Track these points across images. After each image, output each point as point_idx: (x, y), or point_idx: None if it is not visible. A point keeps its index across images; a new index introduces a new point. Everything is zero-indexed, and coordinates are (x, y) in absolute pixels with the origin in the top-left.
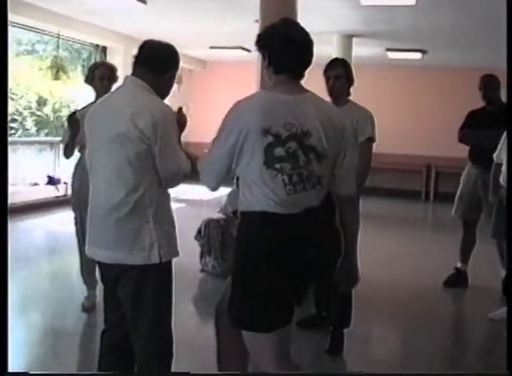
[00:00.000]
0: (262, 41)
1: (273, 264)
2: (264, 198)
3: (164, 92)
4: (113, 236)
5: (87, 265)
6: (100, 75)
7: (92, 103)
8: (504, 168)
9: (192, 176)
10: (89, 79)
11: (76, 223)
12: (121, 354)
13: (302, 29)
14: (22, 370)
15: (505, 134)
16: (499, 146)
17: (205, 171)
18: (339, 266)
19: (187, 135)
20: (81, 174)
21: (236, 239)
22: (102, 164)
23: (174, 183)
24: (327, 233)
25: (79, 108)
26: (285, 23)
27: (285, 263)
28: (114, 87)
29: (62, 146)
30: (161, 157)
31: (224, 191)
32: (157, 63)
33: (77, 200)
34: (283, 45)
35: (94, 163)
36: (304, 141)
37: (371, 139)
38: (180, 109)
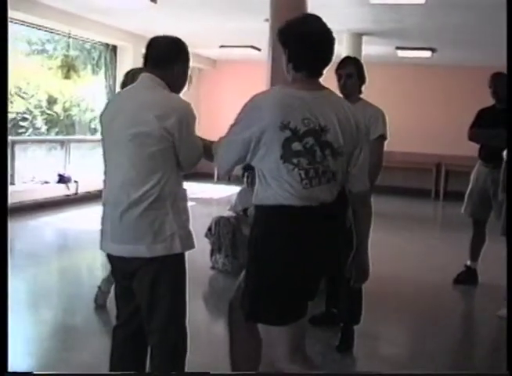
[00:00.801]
0: (282, 37)
1: (288, 256)
2: (280, 191)
3: (176, 88)
4: (133, 230)
5: None
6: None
7: None
8: None
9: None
10: (128, 84)
11: None
12: (133, 350)
13: (323, 26)
14: (29, 366)
15: None
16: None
17: (220, 154)
18: (350, 261)
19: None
20: None
21: (250, 231)
22: (120, 161)
23: (192, 167)
24: (340, 228)
25: (91, 107)
26: (305, 20)
27: (300, 256)
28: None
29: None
30: (185, 149)
31: (234, 189)
32: (164, 58)
33: None
34: (301, 42)
35: (111, 161)
36: (322, 137)
37: (383, 137)
38: None
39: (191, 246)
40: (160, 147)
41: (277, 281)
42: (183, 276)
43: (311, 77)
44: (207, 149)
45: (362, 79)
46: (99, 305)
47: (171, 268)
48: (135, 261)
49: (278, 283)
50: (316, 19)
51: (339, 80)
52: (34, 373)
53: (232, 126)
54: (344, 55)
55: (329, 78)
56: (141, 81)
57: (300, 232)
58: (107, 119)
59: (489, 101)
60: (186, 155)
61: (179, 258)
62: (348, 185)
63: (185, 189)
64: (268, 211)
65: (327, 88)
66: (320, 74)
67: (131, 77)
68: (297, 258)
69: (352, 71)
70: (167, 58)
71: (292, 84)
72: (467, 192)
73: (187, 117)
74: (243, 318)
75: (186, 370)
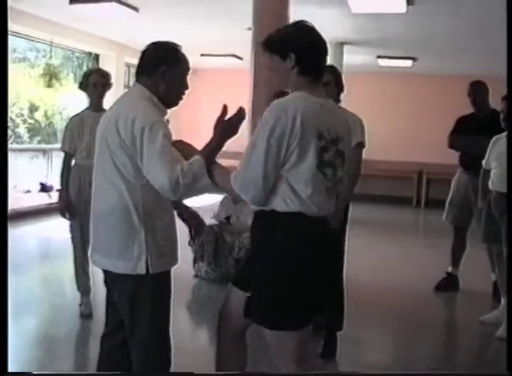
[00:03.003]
0: (288, 42)
1: (310, 264)
2: (308, 200)
3: (169, 96)
4: (104, 243)
5: (81, 272)
6: (94, 82)
7: (86, 109)
8: (492, 174)
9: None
10: (83, 86)
11: (72, 230)
12: (121, 358)
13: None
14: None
15: (493, 140)
16: (488, 152)
17: (248, 180)
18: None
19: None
20: (78, 181)
21: (266, 238)
22: (100, 171)
23: (171, 195)
24: (335, 235)
25: (71, 115)
26: (309, 27)
27: (319, 263)
28: (108, 94)
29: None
30: (146, 169)
31: (217, 198)
32: (148, 63)
33: (77, 207)
34: (313, 48)
35: (94, 170)
36: (339, 146)
37: (361, 145)
38: (225, 107)
39: (165, 266)
40: (123, 159)
41: (299, 288)
42: (164, 293)
43: (318, 82)
44: (223, 179)
45: (339, 87)
46: (86, 316)
47: (150, 284)
48: (110, 273)
49: (300, 291)
50: (314, 27)
51: None
52: (34, 373)
53: (254, 143)
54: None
55: None
56: (128, 90)
57: (319, 239)
58: (97, 128)
59: (469, 109)
60: (149, 177)
61: (158, 276)
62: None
63: (168, 207)
64: (290, 217)
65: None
66: (322, 79)
67: (85, 78)
68: (318, 266)
69: (330, 79)
70: (152, 62)
71: (302, 89)
72: (448, 199)
73: (144, 131)
74: (232, 327)
75: None
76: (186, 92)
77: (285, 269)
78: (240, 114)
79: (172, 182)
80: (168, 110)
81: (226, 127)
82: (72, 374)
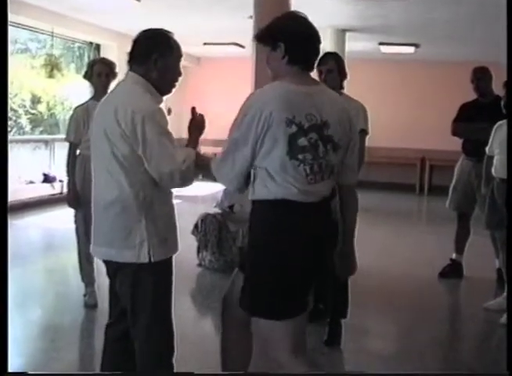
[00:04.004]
0: (277, 32)
1: (293, 251)
2: (286, 186)
3: (162, 85)
4: (106, 233)
5: (86, 263)
6: (98, 72)
7: (90, 99)
8: (496, 160)
9: (205, 177)
10: (88, 75)
11: (76, 221)
12: (125, 348)
13: (311, 22)
14: (19, 367)
15: (495, 126)
16: (491, 138)
17: (224, 170)
18: (339, 254)
19: (181, 132)
20: (83, 171)
21: (252, 226)
22: (98, 161)
23: (170, 184)
24: (333, 221)
25: (73, 105)
26: (299, 16)
27: (303, 251)
28: (113, 83)
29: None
30: (147, 158)
31: (220, 186)
32: (140, 51)
33: (82, 198)
34: (302, 36)
35: (93, 161)
36: (324, 131)
37: (364, 132)
38: (193, 109)
39: (166, 254)
40: (123, 149)
41: (281, 276)
42: (165, 281)
43: (306, 71)
44: (206, 166)
45: (342, 74)
46: (91, 306)
47: (152, 273)
48: (112, 263)
49: (281, 278)
50: (305, 16)
51: (320, 75)
52: (34, 373)
53: (231, 135)
54: (327, 51)
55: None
56: (124, 79)
57: (303, 227)
58: (93, 119)
59: (472, 96)
60: (150, 167)
61: (159, 265)
62: (341, 177)
63: (167, 195)
64: (271, 205)
65: (321, 83)
66: (313, 68)
67: (89, 67)
68: (300, 253)
69: (333, 67)
70: (143, 50)
71: (287, 78)
72: (451, 186)
73: (144, 119)
74: (236, 315)
75: (175, 368)
76: (179, 78)
77: (261, 257)
78: (196, 114)
79: (176, 172)
80: (164, 98)
81: (195, 127)
82: (72, 374)
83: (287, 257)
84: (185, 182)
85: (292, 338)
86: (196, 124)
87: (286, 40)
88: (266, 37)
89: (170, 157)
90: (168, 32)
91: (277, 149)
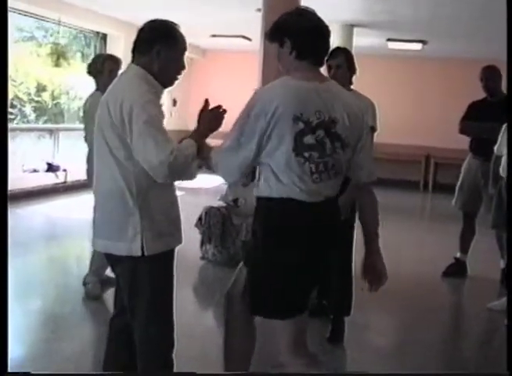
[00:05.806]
0: (283, 28)
1: (297, 250)
2: (291, 185)
3: (163, 76)
4: (104, 225)
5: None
6: (110, 69)
7: (97, 90)
8: (504, 160)
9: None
10: (97, 70)
11: None
12: (128, 340)
13: (320, 17)
14: (19, 357)
15: (505, 126)
16: (499, 138)
17: (225, 162)
18: (366, 264)
19: (187, 124)
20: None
21: (256, 224)
22: (97, 154)
23: (159, 176)
24: (337, 222)
25: (78, 94)
26: (306, 11)
27: (307, 250)
28: None
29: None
30: (134, 148)
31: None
32: (143, 41)
33: None
34: (308, 31)
35: (94, 153)
36: (332, 129)
37: (373, 129)
38: (206, 100)
39: (164, 246)
40: (114, 141)
41: (282, 275)
42: (165, 274)
43: (315, 66)
44: (208, 158)
45: (352, 70)
46: (94, 297)
47: (149, 265)
48: (111, 256)
49: (283, 277)
50: (313, 11)
51: (329, 71)
52: (35, 372)
53: (235, 128)
54: (335, 46)
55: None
56: (124, 71)
57: (306, 226)
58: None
59: (480, 94)
60: (139, 158)
61: (158, 257)
62: (352, 175)
63: (166, 188)
64: (275, 204)
65: (330, 79)
66: (322, 63)
67: (100, 64)
68: (306, 252)
69: (342, 62)
70: (146, 41)
71: (296, 74)
72: (458, 184)
73: (132, 110)
74: (240, 310)
75: (175, 362)
76: (182, 72)
77: (268, 255)
78: (208, 106)
79: (163, 163)
80: (166, 90)
81: (210, 117)
82: (72, 374)
83: (287, 256)
84: (176, 174)
85: (292, 337)
86: (209, 116)
87: (291, 35)
88: (273, 34)
89: (156, 147)
90: (174, 24)
91: (283, 146)
